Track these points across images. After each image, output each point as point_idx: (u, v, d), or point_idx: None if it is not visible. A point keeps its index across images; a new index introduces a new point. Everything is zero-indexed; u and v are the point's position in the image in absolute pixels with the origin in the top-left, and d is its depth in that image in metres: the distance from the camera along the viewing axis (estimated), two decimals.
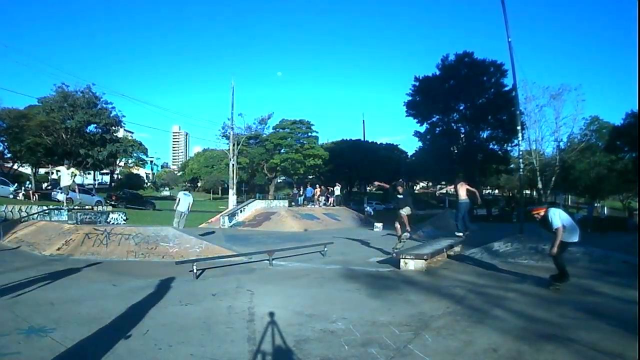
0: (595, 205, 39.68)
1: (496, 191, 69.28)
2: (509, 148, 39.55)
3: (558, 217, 5.58)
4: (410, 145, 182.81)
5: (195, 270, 6.70)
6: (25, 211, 16.24)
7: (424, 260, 7.30)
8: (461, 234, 9.48)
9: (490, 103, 37.06)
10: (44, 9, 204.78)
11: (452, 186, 10.41)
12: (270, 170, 45.46)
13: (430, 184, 73.08)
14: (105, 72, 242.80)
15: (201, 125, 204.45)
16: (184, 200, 12.72)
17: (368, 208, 31.11)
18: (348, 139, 52.97)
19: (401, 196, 8.84)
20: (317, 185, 27.39)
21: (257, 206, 21.50)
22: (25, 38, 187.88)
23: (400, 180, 9.16)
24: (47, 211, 16.17)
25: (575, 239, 5.71)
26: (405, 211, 8.71)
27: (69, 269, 7.25)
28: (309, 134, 45.93)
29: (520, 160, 12.35)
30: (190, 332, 3.85)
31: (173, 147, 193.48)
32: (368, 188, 62.68)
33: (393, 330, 3.92)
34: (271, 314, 4.39)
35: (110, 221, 14.85)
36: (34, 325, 3.88)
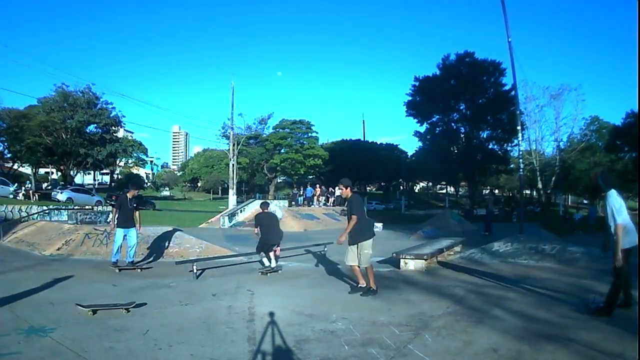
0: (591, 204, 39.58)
1: (496, 191, 69.31)
2: (508, 148, 39.65)
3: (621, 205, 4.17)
4: (410, 145, 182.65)
5: (195, 270, 6.70)
6: (25, 211, 16.26)
7: (424, 260, 7.30)
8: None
9: (490, 103, 37.10)
10: (44, 9, 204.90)
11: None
12: (270, 170, 45.49)
13: (431, 184, 73.17)
14: (105, 72, 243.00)
15: (201, 125, 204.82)
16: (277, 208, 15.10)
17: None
18: (348, 139, 52.99)
19: (348, 205, 5.62)
20: (317, 185, 27.35)
21: (257, 206, 21.46)
22: (25, 38, 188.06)
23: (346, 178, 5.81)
24: (47, 211, 16.19)
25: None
26: (365, 249, 5.33)
27: (69, 269, 7.26)
28: (309, 134, 45.95)
29: (520, 160, 12.39)
30: (190, 332, 3.85)
31: (173, 147, 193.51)
32: (368, 188, 62.69)
33: (393, 330, 3.92)
34: (271, 314, 4.39)
35: (110, 221, 14.85)
36: (34, 325, 3.88)
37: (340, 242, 5.43)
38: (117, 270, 6.95)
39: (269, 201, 10.68)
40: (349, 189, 5.71)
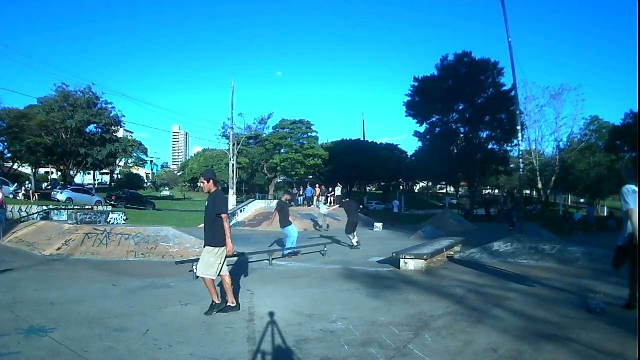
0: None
1: (496, 191, 69.32)
2: (508, 148, 39.57)
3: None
4: (410, 145, 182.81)
5: (195, 270, 6.68)
6: (25, 211, 16.27)
7: (424, 260, 7.30)
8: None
9: (490, 103, 37.04)
10: (44, 9, 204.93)
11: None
12: (270, 170, 45.47)
13: (431, 184, 73.14)
14: (105, 72, 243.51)
15: (201, 125, 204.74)
16: (323, 206, 17.18)
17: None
18: (348, 139, 52.95)
19: (212, 202, 4.54)
20: (317, 185, 27.33)
21: (257, 206, 21.51)
22: (25, 38, 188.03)
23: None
24: (47, 211, 16.19)
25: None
26: (212, 257, 4.42)
27: (69, 269, 7.26)
28: (309, 134, 45.94)
29: (520, 160, 12.36)
30: (190, 332, 3.85)
31: (173, 147, 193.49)
32: (368, 188, 62.66)
33: (393, 330, 3.92)
34: (271, 314, 4.39)
35: (110, 221, 14.85)
36: (34, 325, 3.88)
37: (231, 252, 4.50)
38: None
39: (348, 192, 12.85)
40: (212, 182, 4.63)
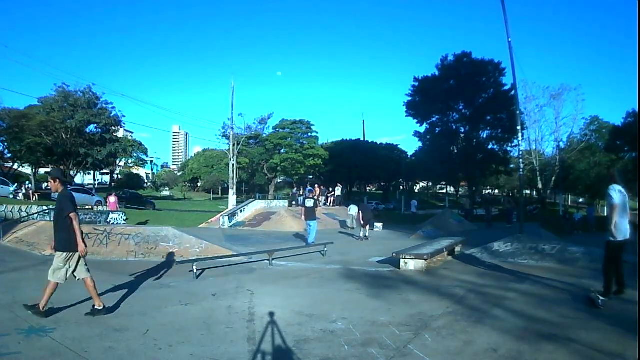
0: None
1: (496, 191, 69.32)
2: (508, 148, 39.50)
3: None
4: (410, 145, 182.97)
5: (195, 270, 6.70)
6: (25, 211, 16.27)
7: (424, 260, 7.30)
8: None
9: (490, 103, 37.01)
10: (44, 9, 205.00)
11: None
12: (270, 170, 45.44)
13: (431, 184, 73.14)
14: (105, 72, 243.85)
15: (201, 125, 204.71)
16: (353, 208, 18.11)
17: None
18: (348, 139, 52.92)
19: (60, 203, 4.45)
20: (317, 185, 27.31)
21: (257, 206, 21.49)
22: (25, 38, 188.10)
23: None
24: (47, 211, 16.18)
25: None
26: (80, 258, 4.41)
27: None
28: (309, 134, 45.92)
29: (520, 160, 12.35)
30: (190, 332, 3.85)
31: (173, 147, 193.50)
32: (368, 188, 62.68)
33: (393, 330, 3.92)
34: (271, 314, 4.39)
35: (110, 221, 14.87)
36: (34, 325, 3.88)
37: (83, 252, 4.31)
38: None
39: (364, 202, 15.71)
40: (58, 181, 4.44)
